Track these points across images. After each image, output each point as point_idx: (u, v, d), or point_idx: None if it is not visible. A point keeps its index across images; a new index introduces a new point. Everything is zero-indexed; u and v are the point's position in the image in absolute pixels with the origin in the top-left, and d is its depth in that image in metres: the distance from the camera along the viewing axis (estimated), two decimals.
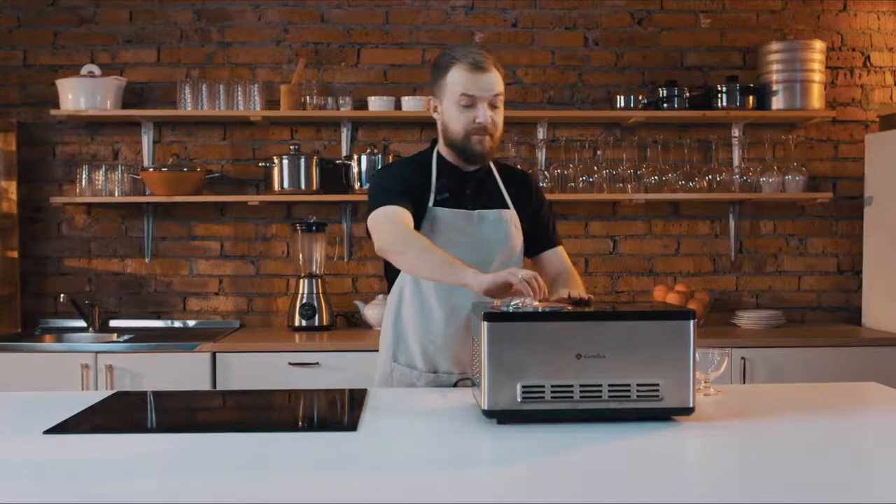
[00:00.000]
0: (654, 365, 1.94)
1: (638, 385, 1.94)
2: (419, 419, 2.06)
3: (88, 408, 2.18)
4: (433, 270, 2.24)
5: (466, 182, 2.51)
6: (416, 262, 2.28)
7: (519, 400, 1.92)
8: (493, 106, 2.41)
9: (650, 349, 1.95)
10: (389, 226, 2.33)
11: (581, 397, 1.93)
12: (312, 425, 2.19)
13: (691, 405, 1.95)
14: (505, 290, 2.07)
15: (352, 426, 1.96)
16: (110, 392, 2.43)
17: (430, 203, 2.46)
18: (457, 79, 2.39)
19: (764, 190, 4.21)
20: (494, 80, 2.40)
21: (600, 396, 1.93)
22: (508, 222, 2.51)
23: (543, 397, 1.92)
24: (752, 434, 1.89)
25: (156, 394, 2.49)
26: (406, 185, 2.45)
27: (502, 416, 1.94)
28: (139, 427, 2.13)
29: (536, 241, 2.61)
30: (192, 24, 4.29)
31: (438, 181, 2.49)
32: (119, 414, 2.21)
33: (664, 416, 1.97)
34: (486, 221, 2.48)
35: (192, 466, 1.67)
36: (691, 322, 1.96)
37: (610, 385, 1.93)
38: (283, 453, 1.75)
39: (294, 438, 1.89)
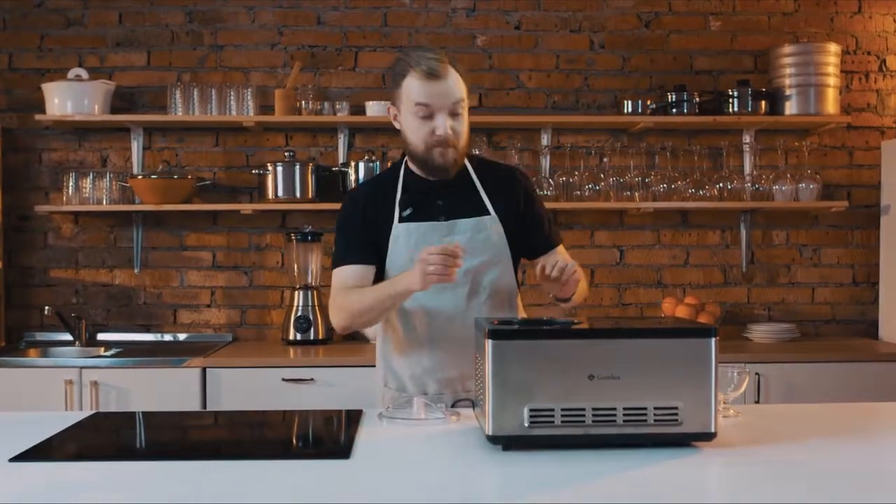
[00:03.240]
0: (673, 386, 1.82)
1: (655, 408, 1.81)
2: (417, 445, 1.93)
3: (63, 431, 2.06)
4: (382, 303, 2.25)
5: (436, 192, 2.36)
6: (367, 309, 2.27)
7: (526, 424, 1.79)
8: (453, 114, 2.26)
9: (668, 369, 1.82)
10: (335, 305, 2.33)
11: (594, 422, 1.80)
12: (303, 452, 2.05)
13: (713, 430, 1.83)
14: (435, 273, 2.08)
15: (345, 453, 1.82)
16: (90, 413, 2.31)
17: (396, 221, 2.34)
18: (411, 87, 2.24)
19: (776, 198, 4.07)
20: (452, 87, 2.25)
21: (615, 421, 1.81)
22: (488, 229, 2.35)
23: (553, 422, 1.79)
24: (779, 462, 1.76)
25: (137, 415, 2.36)
26: (359, 224, 2.36)
27: (508, 443, 1.82)
28: (115, 454, 1.99)
29: (531, 243, 2.44)
30: (183, 26, 4.16)
31: (403, 196, 2.36)
32: (95, 439, 2.09)
33: (684, 441, 1.85)
34: (460, 231, 2.34)
35: (171, 499, 1.54)
36: (713, 340, 1.84)
37: (625, 408, 1.81)
38: (270, 484, 1.62)
39: (283, 467, 1.75)
